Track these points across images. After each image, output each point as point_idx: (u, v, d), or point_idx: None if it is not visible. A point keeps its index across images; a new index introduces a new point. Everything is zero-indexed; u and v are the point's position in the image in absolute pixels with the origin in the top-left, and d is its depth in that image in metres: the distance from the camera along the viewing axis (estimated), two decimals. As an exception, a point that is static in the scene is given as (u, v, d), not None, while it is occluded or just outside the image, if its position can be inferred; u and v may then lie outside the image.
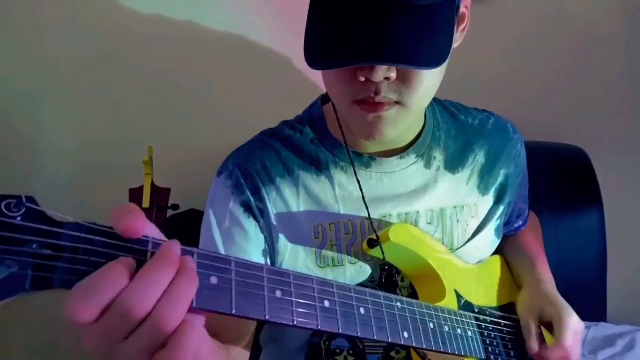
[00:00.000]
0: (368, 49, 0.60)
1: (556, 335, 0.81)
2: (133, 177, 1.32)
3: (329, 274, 0.80)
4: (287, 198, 0.82)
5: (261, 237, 0.81)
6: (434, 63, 0.62)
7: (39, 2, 1.50)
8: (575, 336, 0.81)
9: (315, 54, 0.64)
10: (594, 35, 1.61)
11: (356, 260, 0.81)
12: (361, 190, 0.80)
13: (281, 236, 0.81)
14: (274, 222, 0.81)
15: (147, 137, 1.43)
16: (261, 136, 0.88)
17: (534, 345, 0.83)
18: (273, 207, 0.81)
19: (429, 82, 0.69)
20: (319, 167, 0.83)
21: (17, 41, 1.52)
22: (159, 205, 1.28)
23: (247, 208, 0.81)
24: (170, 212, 1.33)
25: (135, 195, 1.29)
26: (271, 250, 0.82)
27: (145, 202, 1.28)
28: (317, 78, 1.65)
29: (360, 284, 0.80)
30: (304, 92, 1.60)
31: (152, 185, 1.30)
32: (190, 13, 1.55)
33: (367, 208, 0.80)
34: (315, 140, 0.85)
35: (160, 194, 1.30)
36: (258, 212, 0.81)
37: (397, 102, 0.69)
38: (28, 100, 1.56)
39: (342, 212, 0.82)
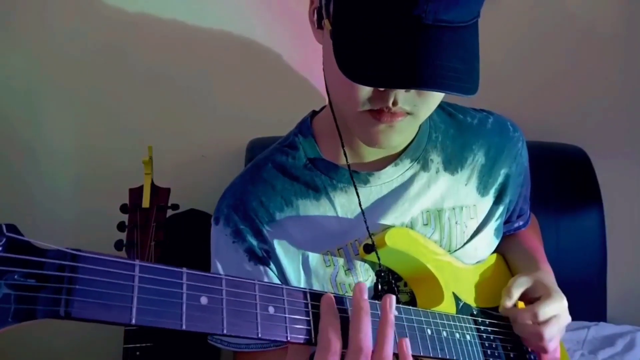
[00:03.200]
0: (418, 73, 0.58)
1: (536, 305, 0.80)
2: (133, 177, 1.31)
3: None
4: (291, 232, 0.80)
5: (275, 280, 0.80)
6: (475, 89, 0.61)
7: (39, 5, 1.50)
8: (556, 320, 0.79)
9: (356, 69, 0.61)
10: (594, 35, 1.61)
11: (369, 275, 0.81)
12: (361, 208, 0.79)
13: (294, 273, 0.80)
14: (283, 261, 0.80)
15: (147, 137, 1.43)
16: (252, 168, 0.86)
17: (507, 301, 0.82)
18: (278, 246, 0.79)
19: (441, 94, 0.69)
20: (317, 191, 0.81)
21: (16, 43, 1.52)
22: (159, 205, 1.28)
23: (253, 255, 0.80)
24: (170, 212, 1.32)
25: (135, 195, 1.29)
26: None
27: (145, 202, 1.28)
28: (315, 79, 1.65)
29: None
30: (303, 92, 1.61)
31: (152, 185, 1.30)
32: (190, 13, 1.55)
33: (365, 220, 0.79)
34: (309, 165, 0.83)
35: (160, 194, 1.30)
36: (265, 255, 0.80)
37: (408, 113, 0.69)
38: (27, 99, 1.56)
39: (347, 233, 0.80)
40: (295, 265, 0.80)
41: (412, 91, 0.65)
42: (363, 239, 0.80)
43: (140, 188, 1.30)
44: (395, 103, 0.66)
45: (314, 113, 0.89)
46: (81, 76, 1.56)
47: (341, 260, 0.80)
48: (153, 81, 1.58)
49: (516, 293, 0.83)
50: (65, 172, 1.60)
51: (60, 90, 1.56)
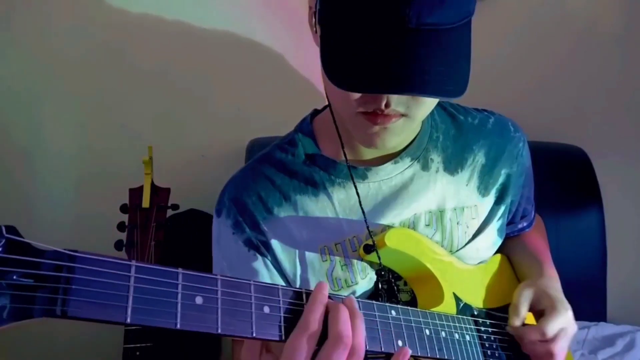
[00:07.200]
0: (396, 77, 0.59)
1: (542, 322, 0.79)
2: (133, 177, 1.32)
3: (343, 294, 0.79)
4: (289, 226, 0.81)
5: (273, 271, 0.81)
6: (460, 91, 0.61)
7: (38, 5, 1.50)
8: (563, 333, 0.79)
9: (340, 74, 0.62)
10: (594, 35, 1.61)
11: (366, 274, 0.81)
12: (360, 204, 0.79)
13: (290, 266, 0.80)
14: (280, 254, 0.80)
15: (147, 137, 1.43)
16: (253, 163, 0.87)
17: (515, 320, 0.82)
18: (275, 239, 0.80)
19: None
20: (315, 187, 0.82)
21: (15, 43, 1.52)
22: (159, 205, 1.28)
23: (252, 246, 0.80)
24: (170, 212, 1.33)
25: (135, 195, 1.30)
26: (285, 281, 0.81)
27: (145, 202, 1.28)
28: (315, 78, 1.65)
29: (367, 292, 0.81)
30: (303, 92, 1.61)
31: (152, 185, 1.30)
32: (190, 13, 1.55)
33: (365, 218, 0.79)
34: (308, 161, 0.84)
35: (160, 194, 1.30)
36: (263, 246, 0.80)
37: (403, 115, 0.69)
38: (27, 99, 1.56)
39: (345, 229, 0.81)
40: (292, 259, 0.80)
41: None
42: (361, 235, 0.80)
43: (140, 188, 1.30)
44: (387, 105, 0.66)
45: (315, 112, 0.90)
46: (81, 76, 1.56)
47: (338, 256, 0.80)
48: (153, 81, 1.58)
49: (523, 310, 0.83)
50: (66, 172, 1.61)
51: (60, 90, 1.57)
